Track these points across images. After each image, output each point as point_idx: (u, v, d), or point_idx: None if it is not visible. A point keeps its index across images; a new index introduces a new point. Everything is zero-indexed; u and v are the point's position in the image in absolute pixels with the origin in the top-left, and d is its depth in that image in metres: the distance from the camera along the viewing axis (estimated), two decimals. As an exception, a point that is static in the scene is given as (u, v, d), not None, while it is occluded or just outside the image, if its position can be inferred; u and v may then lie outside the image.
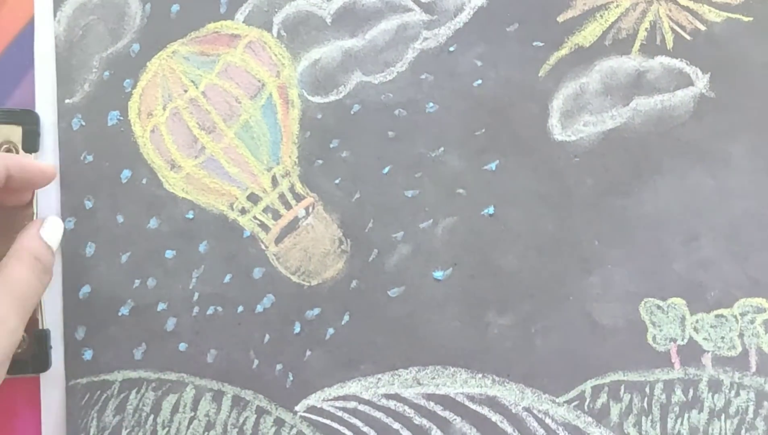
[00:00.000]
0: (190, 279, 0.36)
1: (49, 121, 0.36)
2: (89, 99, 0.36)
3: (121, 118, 0.36)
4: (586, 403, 0.35)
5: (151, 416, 0.35)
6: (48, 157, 0.36)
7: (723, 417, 0.35)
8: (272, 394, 0.35)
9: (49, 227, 0.33)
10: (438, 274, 0.35)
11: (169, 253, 0.36)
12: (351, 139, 0.36)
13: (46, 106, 0.36)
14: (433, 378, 0.35)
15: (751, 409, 0.35)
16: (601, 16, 0.36)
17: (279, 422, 0.35)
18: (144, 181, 0.36)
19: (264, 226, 0.36)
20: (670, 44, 0.36)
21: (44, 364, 0.35)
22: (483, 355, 0.35)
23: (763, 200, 0.35)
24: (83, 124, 0.36)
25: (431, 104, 0.36)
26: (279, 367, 0.35)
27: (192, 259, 0.36)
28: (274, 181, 0.36)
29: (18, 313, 0.30)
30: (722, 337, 0.35)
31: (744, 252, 0.35)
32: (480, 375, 0.35)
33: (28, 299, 0.31)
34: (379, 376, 0.35)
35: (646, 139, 0.35)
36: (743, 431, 0.34)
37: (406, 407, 0.35)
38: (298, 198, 0.36)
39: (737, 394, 0.35)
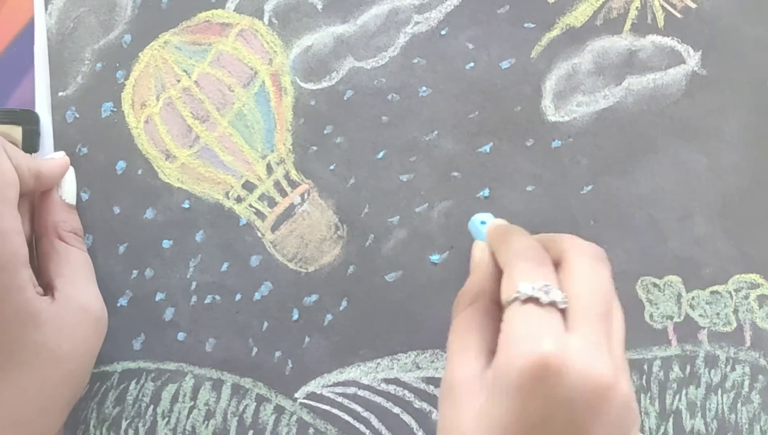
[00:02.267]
0: (187, 268, 0.36)
1: (48, 121, 0.36)
2: (82, 91, 0.36)
3: (115, 109, 0.36)
4: (585, 383, 0.35)
5: (151, 406, 0.35)
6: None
7: (720, 392, 0.35)
8: (272, 382, 0.35)
9: (65, 188, 0.35)
10: (435, 257, 0.36)
11: (166, 243, 0.36)
12: (345, 124, 0.36)
13: (45, 105, 0.36)
14: (433, 362, 0.35)
15: (746, 383, 0.35)
16: (591, -4, 0.36)
17: (279, 409, 0.35)
18: (139, 171, 0.36)
19: (260, 214, 0.36)
20: (661, 22, 0.36)
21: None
22: (481, 338, 0.35)
23: (756, 176, 0.35)
24: (77, 116, 0.36)
25: (424, 88, 0.36)
26: (278, 354, 0.35)
27: (189, 248, 0.36)
28: (269, 169, 0.36)
29: (97, 291, 0.34)
30: (717, 313, 0.35)
31: (737, 228, 0.35)
32: (478, 357, 0.35)
33: (92, 270, 0.34)
34: (379, 360, 0.35)
35: (639, 117, 0.36)
36: (739, 405, 0.35)
37: (406, 391, 0.35)
38: (294, 185, 0.36)
39: (733, 369, 0.35)
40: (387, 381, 0.35)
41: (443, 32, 0.36)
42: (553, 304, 0.26)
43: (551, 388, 0.24)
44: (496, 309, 0.29)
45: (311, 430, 0.35)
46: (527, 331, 0.25)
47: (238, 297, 0.36)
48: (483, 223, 0.32)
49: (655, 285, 0.35)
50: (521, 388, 0.25)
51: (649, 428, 0.35)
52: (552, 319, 0.26)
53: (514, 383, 0.25)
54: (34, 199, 0.34)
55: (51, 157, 0.35)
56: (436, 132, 0.36)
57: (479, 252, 0.31)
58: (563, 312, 0.26)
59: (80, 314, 0.32)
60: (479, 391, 0.27)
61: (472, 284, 0.30)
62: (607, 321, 0.27)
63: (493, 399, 0.26)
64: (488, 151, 0.36)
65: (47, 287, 0.32)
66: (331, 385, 0.35)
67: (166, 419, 0.35)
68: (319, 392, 0.35)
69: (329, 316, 0.35)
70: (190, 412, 0.35)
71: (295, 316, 0.36)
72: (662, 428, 0.35)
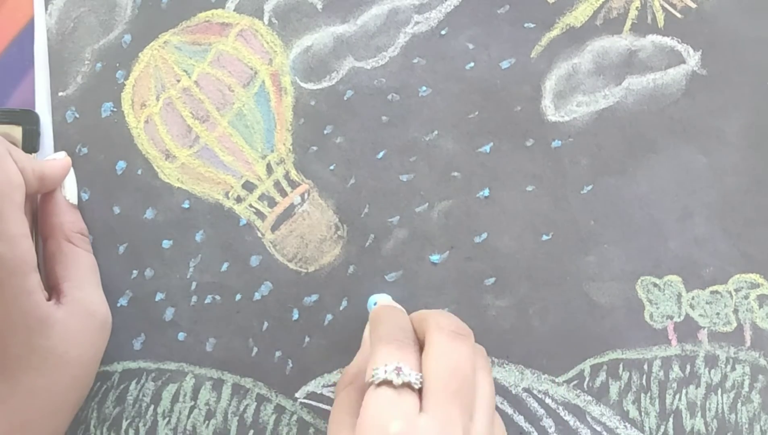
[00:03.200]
0: (187, 268, 0.36)
1: (48, 121, 0.36)
2: (82, 91, 0.36)
3: (115, 109, 0.36)
4: (586, 382, 0.35)
5: (152, 406, 0.35)
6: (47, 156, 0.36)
7: (719, 391, 0.35)
8: (272, 382, 0.35)
9: (67, 188, 0.35)
10: (435, 257, 0.36)
11: (166, 243, 0.36)
12: (345, 124, 0.36)
13: (45, 105, 0.36)
14: (432, 362, 0.35)
15: (746, 382, 0.35)
16: (591, -5, 0.36)
17: (279, 409, 0.35)
18: (139, 171, 0.36)
19: (260, 214, 0.36)
20: (661, 22, 0.36)
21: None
22: (481, 337, 0.35)
23: (756, 176, 0.35)
24: (77, 116, 0.36)
25: (424, 88, 0.36)
26: (278, 354, 0.35)
27: (189, 248, 0.36)
28: (269, 169, 0.36)
29: (103, 294, 0.34)
30: (717, 313, 0.35)
31: (737, 228, 0.35)
32: (478, 357, 0.35)
33: (98, 273, 0.34)
34: (378, 360, 0.35)
35: (639, 117, 0.36)
36: (739, 405, 0.35)
37: (405, 391, 0.35)
38: (293, 185, 0.36)
39: (733, 369, 0.35)
40: (387, 381, 0.35)
41: (443, 32, 0.36)
42: (407, 385, 0.26)
43: None
44: None
45: (311, 430, 0.35)
46: (377, 414, 0.26)
47: (238, 297, 0.36)
48: (376, 304, 0.34)
49: (655, 285, 0.35)
50: None
51: (649, 428, 0.35)
52: (404, 400, 0.26)
53: None
54: (37, 201, 0.34)
55: (53, 158, 0.35)
56: (436, 132, 0.36)
57: (367, 331, 0.32)
58: (421, 392, 0.26)
59: (87, 320, 0.32)
60: None
61: (353, 365, 0.31)
62: (463, 397, 0.26)
63: None
64: (488, 151, 0.36)
65: (53, 289, 0.32)
66: (331, 385, 0.35)
67: (167, 419, 0.35)
68: (319, 392, 0.35)
69: (329, 316, 0.36)
70: (190, 412, 0.35)
71: (296, 316, 0.36)
72: (662, 428, 0.35)
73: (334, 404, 0.30)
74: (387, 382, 0.26)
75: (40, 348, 0.30)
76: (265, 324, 0.36)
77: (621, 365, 0.35)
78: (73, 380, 0.31)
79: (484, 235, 0.35)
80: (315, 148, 0.36)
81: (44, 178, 0.33)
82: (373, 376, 0.27)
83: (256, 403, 0.35)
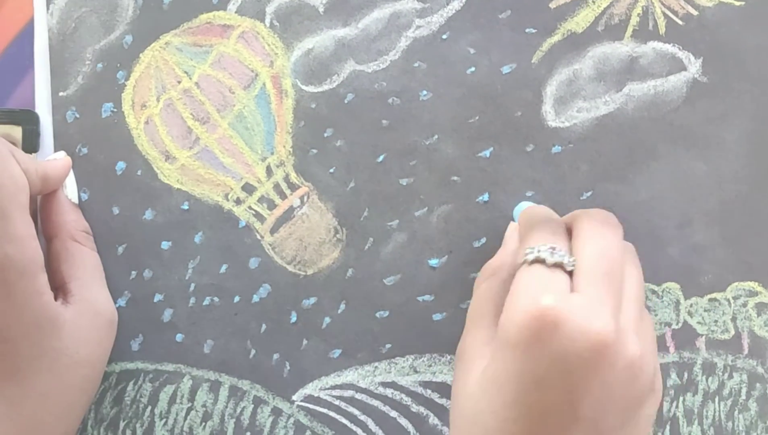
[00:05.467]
0: (186, 270, 0.36)
1: (48, 121, 0.36)
2: (83, 91, 0.36)
3: (115, 109, 0.36)
4: (582, 389, 0.35)
5: (149, 407, 0.35)
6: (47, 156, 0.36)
7: (717, 399, 0.35)
8: (269, 384, 0.35)
9: (69, 187, 0.35)
10: (433, 261, 0.36)
11: (165, 245, 0.36)
12: (345, 128, 0.36)
13: (45, 105, 0.36)
14: (430, 366, 0.35)
15: (743, 390, 0.35)
16: (593, 1, 0.36)
17: (276, 412, 0.35)
18: (139, 172, 0.36)
19: (259, 216, 0.36)
20: (662, 29, 0.36)
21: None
22: (479, 342, 0.35)
23: (755, 184, 0.35)
24: (77, 116, 0.36)
25: (425, 92, 0.36)
26: (276, 356, 0.35)
27: (188, 250, 0.36)
28: (269, 171, 0.36)
29: (108, 293, 0.34)
30: (716, 321, 0.35)
31: (737, 236, 0.35)
32: (476, 362, 0.35)
33: (103, 272, 0.35)
34: (376, 364, 0.35)
35: (639, 124, 0.36)
36: (736, 412, 0.35)
37: (403, 395, 0.35)
38: (293, 187, 0.36)
39: (730, 377, 0.35)
40: (384, 384, 0.35)
41: (444, 36, 0.36)
42: (559, 265, 0.26)
43: (547, 343, 0.24)
44: None
45: (308, 433, 0.35)
46: (529, 288, 0.26)
47: (236, 299, 0.36)
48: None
49: (653, 292, 0.35)
50: (518, 344, 0.25)
51: (646, 435, 0.35)
52: (556, 278, 0.26)
53: (513, 339, 0.25)
54: (38, 201, 0.34)
55: (53, 158, 0.35)
56: (436, 136, 0.36)
57: (509, 230, 0.32)
58: (572, 275, 0.26)
59: (96, 319, 0.32)
60: (486, 354, 0.27)
61: (496, 259, 0.31)
62: (614, 281, 0.26)
63: (494, 358, 0.26)
64: (488, 155, 0.36)
65: (59, 289, 0.32)
66: (328, 388, 0.35)
67: (164, 420, 0.35)
68: (316, 395, 0.35)
69: (327, 319, 0.36)
70: (187, 414, 0.35)
71: (294, 319, 0.36)
72: (659, 435, 0.35)
73: (474, 297, 0.30)
74: (540, 260, 0.26)
75: (51, 349, 0.30)
76: (263, 326, 0.36)
77: (618, 372, 0.35)
78: (83, 381, 0.31)
79: (483, 240, 0.35)
80: (315, 151, 0.36)
81: (47, 178, 0.33)
82: (526, 254, 0.27)
83: (253, 406, 0.35)
